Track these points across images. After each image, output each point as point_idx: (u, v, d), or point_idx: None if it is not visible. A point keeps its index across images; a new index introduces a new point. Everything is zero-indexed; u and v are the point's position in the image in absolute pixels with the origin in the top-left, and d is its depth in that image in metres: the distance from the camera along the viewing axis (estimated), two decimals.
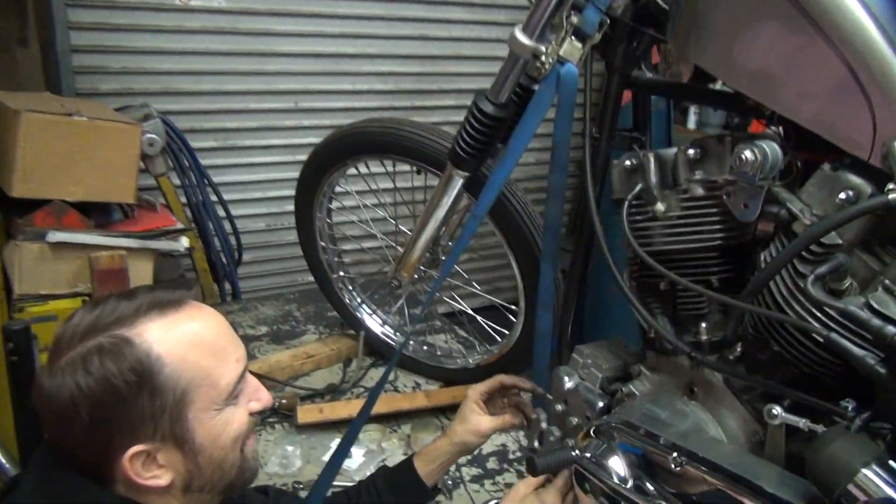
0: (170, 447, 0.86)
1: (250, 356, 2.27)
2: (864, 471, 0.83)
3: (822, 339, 0.93)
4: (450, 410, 2.02)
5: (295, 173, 2.19)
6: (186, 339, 0.86)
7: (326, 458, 1.77)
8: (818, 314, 0.95)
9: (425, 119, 2.61)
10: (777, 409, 1.01)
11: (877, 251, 0.96)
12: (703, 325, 1.17)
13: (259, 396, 0.97)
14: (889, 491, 0.82)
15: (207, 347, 0.88)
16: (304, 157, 2.58)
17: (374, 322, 2.27)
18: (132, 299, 0.87)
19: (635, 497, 1.06)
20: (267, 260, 3.29)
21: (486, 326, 2.07)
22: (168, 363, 0.84)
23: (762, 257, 1.06)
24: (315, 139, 2.66)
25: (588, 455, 1.15)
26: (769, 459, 1.05)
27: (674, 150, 1.19)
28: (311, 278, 2.35)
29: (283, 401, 1.96)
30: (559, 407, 1.38)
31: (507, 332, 2.00)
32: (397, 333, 2.25)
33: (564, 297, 1.44)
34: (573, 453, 1.15)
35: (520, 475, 1.78)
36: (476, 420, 1.37)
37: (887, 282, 0.92)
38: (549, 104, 1.20)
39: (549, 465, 1.13)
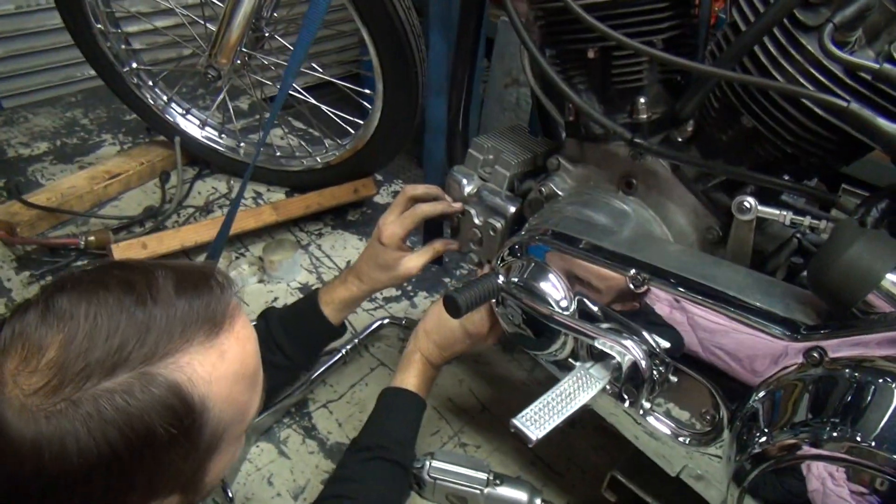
0: (174, 497, 0.64)
1: (32, 183, 1.77)
2: (891, 276, 0.67)
3: (834, 111, 0.71)
4: (303, 223, 1.71)
5: None
6: (232, 373, 0.63)
7: None
8: (820, 76, 0.72)
9: None
10: (750, 201, 0.82)
11: None
12: (642, 100, 0.92)
13: None
14: None
15: (249, 378, 0.66)
16: None
17: (190, 124, 1.81)
18: (167, 304, 0.59)
19: (580, 325, 0.87)
20: (25, 53, 2.55)
21: (334, 117, 1.70)
22: (212, 407, 0.61)
23: (736, 5, 0.79)
24: None
25: (515, 280, 0.92)
26: (733, 259, 0.88)
27: None
28: (94, 71, 1.80)
29: (91, 237, 1.54)
30: (458, 217, 1.12)
31: (360, 122, 1.66)
32: (223, 135, 1.82)
33: (453, 78, 1.11)
34: (498, 280, 0.91)
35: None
36: (404, 266, 1.10)
37: None
38: None
39: (472, 299, 0.89)
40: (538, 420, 0.79)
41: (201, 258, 1.55)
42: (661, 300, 0.82)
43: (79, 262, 1.54)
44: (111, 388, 0.54)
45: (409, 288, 1.54)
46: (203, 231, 1.56)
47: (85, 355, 0.54)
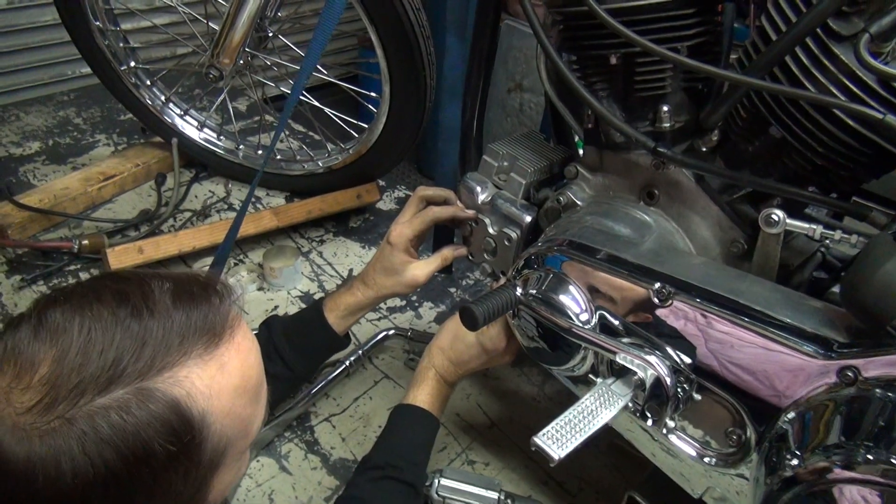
0: None
1: (24, 183, 1.72)
2: None
3: (868, 122, 0.69)
4: (304, 229, 1.68)
5: None
6: (233, 386, 0.60)
7: None
8: (854, 87, 0.70)
9: None
10: (778, 214, 0.79)
11: None
12: (665, 108, 0.90)
13: None
14: None
15: (251, 391, 0.63)
16: None
17: (188, 125, 1.77)
18: (164, 315, 0.57)
19: (601, 340, 0.84)
20: (16, 49, 2.50)
21: (338, 120, 1.66)
22: (212, 423, 0.58)
23: (766, 14, 0.76)
24: None
25: (534, 292, 0.89)
26: (759, 274, 0.85)
27: None
28: (88, 69, 1.76)
29: (85, 241, 1.50)
30: (471, 225, 1.09)
31: (364, 125, 1.62)
32: (222, 137, 1.78)
33: (467, 82, 1.09)
34: (516, 292, 0.88)
35: None
36: (410, 272, 1.07)
37: None
38: None
39: (489, 311, 0.85)
40: (560, 438, 0.76)
41: (200, 264, 1.51)
42: (685, 315, 0.79)
43: (71, 267, 1.50)
44: (106, 404, 0.52)
45: (415, 298, 1.50)
46: (201, 236, 1.52)
47: (79, 371, 0.52)
